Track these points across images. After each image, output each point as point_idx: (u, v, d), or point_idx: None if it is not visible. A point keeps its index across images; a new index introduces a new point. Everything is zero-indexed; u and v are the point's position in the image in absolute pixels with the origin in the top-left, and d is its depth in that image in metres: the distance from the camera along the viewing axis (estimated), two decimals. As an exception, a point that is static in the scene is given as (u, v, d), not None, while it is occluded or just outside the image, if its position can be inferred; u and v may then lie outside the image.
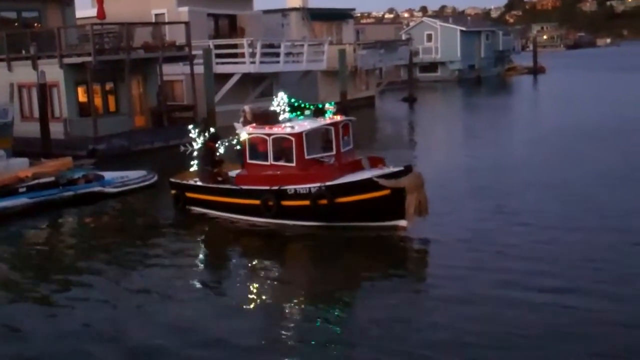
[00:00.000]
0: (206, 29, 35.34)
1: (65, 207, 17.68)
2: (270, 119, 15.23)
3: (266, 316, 10.44)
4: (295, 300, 10.92)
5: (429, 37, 64.67)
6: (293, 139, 14.55)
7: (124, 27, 27.16)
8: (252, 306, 10.94)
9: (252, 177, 15.30)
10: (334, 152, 15.03)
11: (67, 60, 26.66)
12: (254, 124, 15.38)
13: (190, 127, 16.80)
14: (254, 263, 13.22)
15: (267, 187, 14.73)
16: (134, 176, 19.88)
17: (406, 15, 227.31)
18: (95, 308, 10.93)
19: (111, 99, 28.36)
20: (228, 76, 33.22)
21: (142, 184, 19.57)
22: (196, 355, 9.03)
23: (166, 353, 9.11)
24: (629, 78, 58.30)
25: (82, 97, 27.40)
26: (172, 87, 33.27)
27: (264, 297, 11.33)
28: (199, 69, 30.23)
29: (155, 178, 20.06)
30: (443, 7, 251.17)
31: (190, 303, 10.99)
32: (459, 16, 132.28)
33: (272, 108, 15.67)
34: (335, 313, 10.38)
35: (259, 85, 35.63)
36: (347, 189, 14.12)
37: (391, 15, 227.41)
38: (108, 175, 19.45)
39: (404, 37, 62.26)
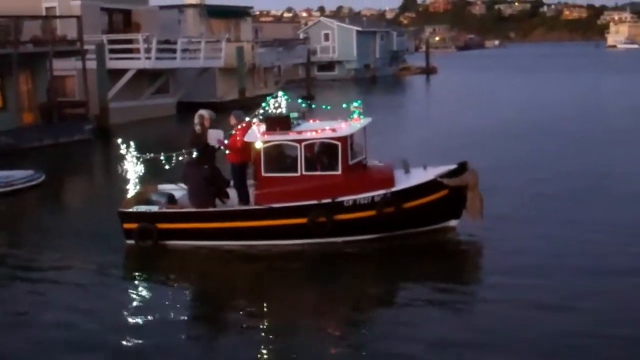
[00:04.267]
0: (99, 23, 34.41)
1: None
2: (288, 124, 12.99)
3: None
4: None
5: (327, 37, 65.43)
6: (339, 143, 12.68)
7: (12, 20, 26.11)
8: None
9: (274, 193, 12.79)
10: (364, 156, 13.52)
11: (-51, 54, 25.37)
12: (266, 131, 12.84)
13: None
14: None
15: (315, 202, 12.64)
16: (20, 176, 18.90)
17: (304, 14, 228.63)
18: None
19: (-3, 95, 27.15)
20: (123, 72, 32.53)
21: (28, 184, 18.66)
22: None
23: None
24: (512, 77, 61.96)
25: (-34, 93, 26.13)
26: (64, 82, 32.17)
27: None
28: (92, 64, 29.46)
29: (43, 178, 19.25)
30: (340, 8, 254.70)
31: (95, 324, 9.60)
32: (355, 17, 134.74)
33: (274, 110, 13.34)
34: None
35: (155, 81, 35.10)
36: (414, 192, 12.94)
37: (290, 15, 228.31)
38: (-8, 174, 18.60)
39: (301, 36, 62.87)
